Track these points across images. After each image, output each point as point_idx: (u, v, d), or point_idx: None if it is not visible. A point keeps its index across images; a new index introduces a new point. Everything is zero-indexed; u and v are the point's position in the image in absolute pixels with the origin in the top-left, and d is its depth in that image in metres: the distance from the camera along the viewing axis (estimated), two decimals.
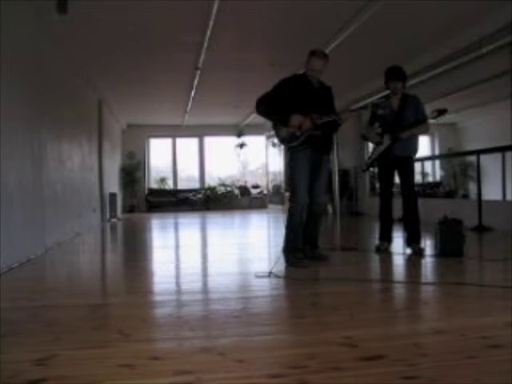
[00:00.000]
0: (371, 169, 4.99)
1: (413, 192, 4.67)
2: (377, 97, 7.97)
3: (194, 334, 2.24)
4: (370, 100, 8.48)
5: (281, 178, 15.20)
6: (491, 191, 8.22)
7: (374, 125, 4.72)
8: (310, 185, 4.15)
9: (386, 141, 4.58)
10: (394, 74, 4.62)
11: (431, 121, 4.68)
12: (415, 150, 4.70)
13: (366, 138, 4.95)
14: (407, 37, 7.01)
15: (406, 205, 4.60)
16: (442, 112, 4.45)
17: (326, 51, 6.97)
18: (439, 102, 7.51)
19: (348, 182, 11.66)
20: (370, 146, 12.57)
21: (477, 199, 6.94)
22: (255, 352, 1.95)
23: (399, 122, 4.55)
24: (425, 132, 4.77)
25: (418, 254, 4.45)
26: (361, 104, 8.96)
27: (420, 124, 4.58)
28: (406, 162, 4.62)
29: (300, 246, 4.18)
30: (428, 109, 4.82)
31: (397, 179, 4.78)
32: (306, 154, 4.09)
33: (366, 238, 6.58)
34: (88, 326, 2.40)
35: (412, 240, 4.57)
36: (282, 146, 4.31)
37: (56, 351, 1.98)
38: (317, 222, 4.31)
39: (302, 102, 4.05)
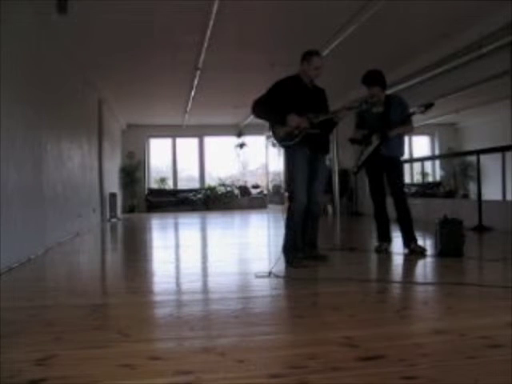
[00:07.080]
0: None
1: (401, 192, 4.70)
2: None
3: (194, 334, 2.24)
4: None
5: (281, 178, 15.19)
6: (491, 191, 8.22)
7: (361, 127, 4.79)
8: (308, 184, 4.16)
9: (375, 141, 4.62)
10: (364, 80, 4.66)
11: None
12: (402, 150, 4.75)
13: (354, 142, 4.94)
14: (407, 37, 7.01)
15: (397, 205, 4.62)
16: (428, 106, 4.41)
17: (326, 51, 7.04)
18: (439, 101, 7.50)
19: (348, 182, 11.65)
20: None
21: (477, 199, 6.94)
22: (255, 352, 1.95)
23: (386, 121, 4.58)
24: (411, 131, 4.88)
25: (418, 252, 4.44)
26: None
27: (406, 123, 4.63)
28: (393, 162, 4.65)
29: (300, 246, 4.18)
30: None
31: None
32: (305, 153, 4.09)
33: (366, 238, 6.57)
34: (88, 326, 2.39)
35: (408, 240, 4.58)
36: (281, 147, 4.30)
37: (56, 351, 1.98)
38: (315, 221, 4.31)
39: (297, 103, 4.06)
